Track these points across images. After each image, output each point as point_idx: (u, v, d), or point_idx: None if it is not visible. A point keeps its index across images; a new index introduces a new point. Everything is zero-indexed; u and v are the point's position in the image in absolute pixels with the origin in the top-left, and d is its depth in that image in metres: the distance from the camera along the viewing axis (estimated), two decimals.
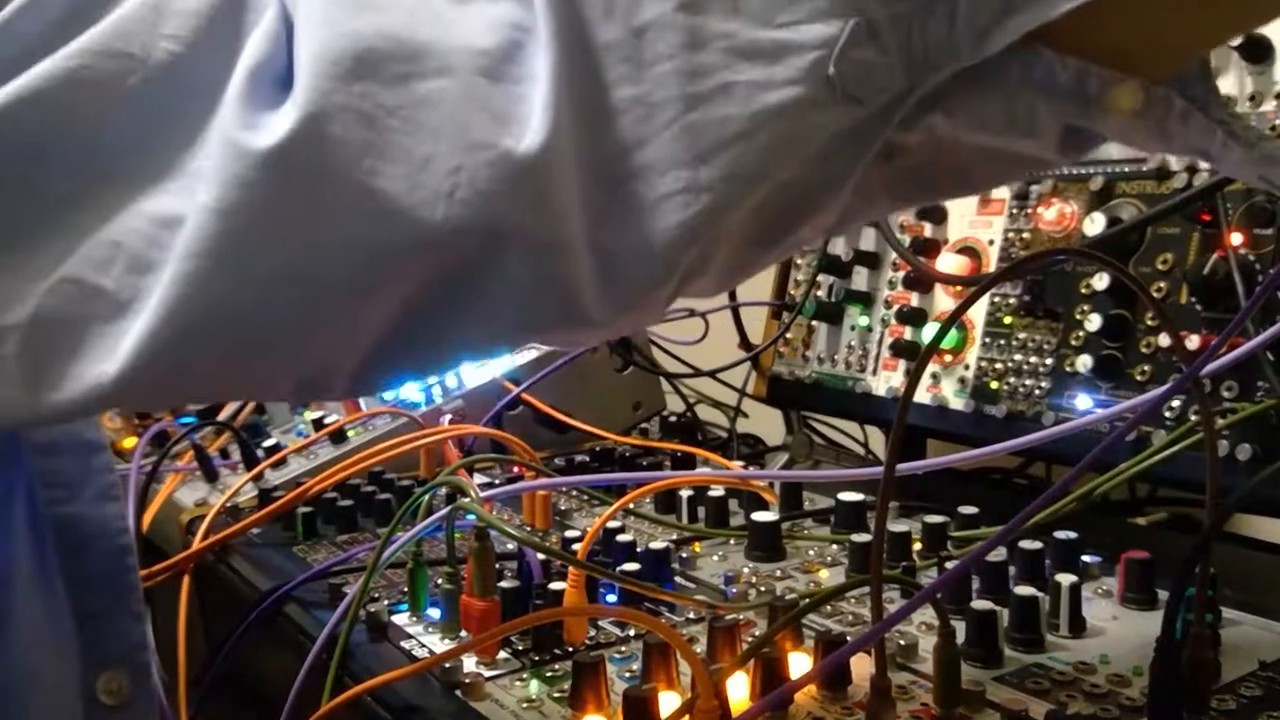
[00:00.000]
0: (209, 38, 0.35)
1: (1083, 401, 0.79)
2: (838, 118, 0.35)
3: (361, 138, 0.33)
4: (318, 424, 1.03)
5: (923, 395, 0.90)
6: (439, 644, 0.61)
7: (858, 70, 0.34)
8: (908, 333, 0.94)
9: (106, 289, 0.34)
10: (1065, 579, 0.59)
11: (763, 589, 0.66)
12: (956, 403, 0.88)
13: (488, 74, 0.34)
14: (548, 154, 0.33)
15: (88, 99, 0.34)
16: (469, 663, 0.57)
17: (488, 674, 0.56)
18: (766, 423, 1.19)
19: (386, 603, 0.66)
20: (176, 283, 0.33)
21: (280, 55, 0.35)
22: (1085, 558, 0.66)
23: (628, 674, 0.55)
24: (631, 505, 0.75)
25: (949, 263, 0.91)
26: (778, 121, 0.34)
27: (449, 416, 1.02)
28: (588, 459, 1.01)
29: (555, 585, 0.62)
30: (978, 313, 0.88)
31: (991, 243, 0.89)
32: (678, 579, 0.69)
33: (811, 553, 0.73)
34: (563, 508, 0.88)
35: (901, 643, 0.56)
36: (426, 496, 0.66)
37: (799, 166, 0.36)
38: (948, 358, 0.89)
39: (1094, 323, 0.78)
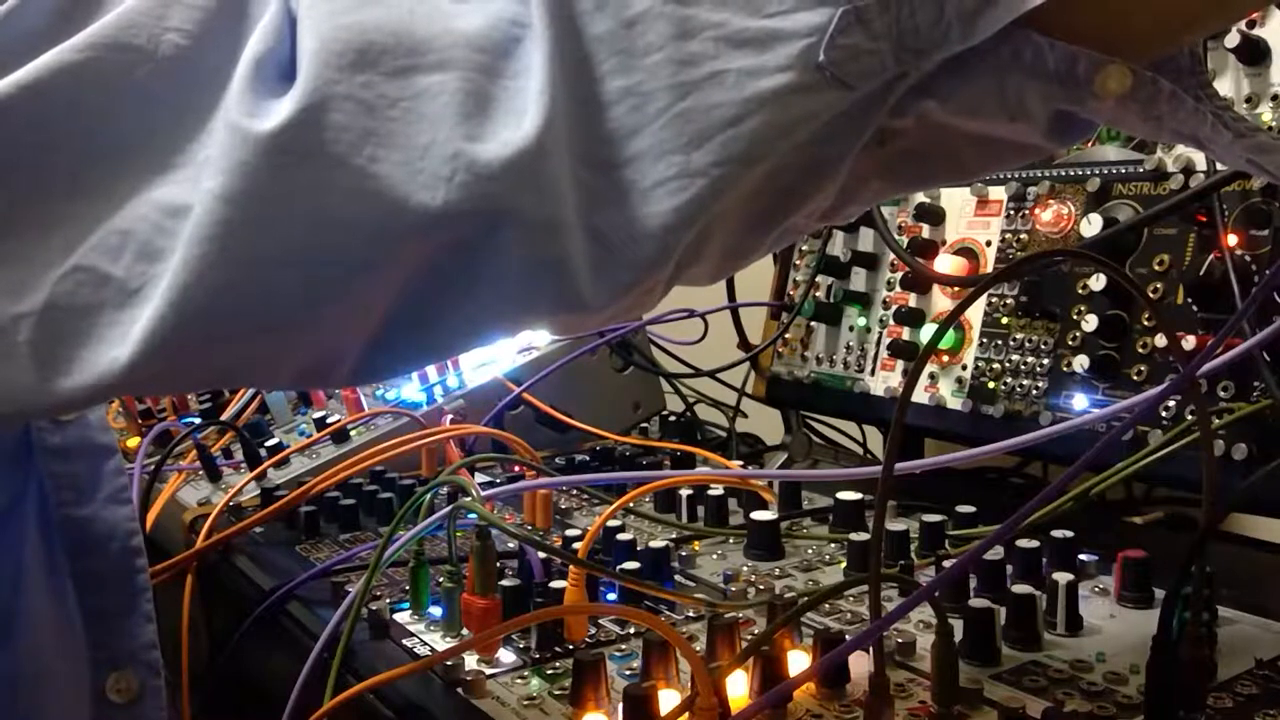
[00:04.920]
0: (214, 30, 0.36)
1: (1079, 401, 0.80)
2: (829, 104, 0.35)
3: (362, 125, 0.34)
4: (320, 423, 1.03)
5: (920, 395, 0.90)
6: (440, 642, 0.62)
7: (848, 57, 0.34)
8: (906, 333, 0.95)
9: (117, 277, 0.35)
10: (1062, 577, 0.59)
11: (761, 587, 0.66)
12: (954, 402, 0.88)
13: (485, 68, 0.35)
14: (543, 141, 0.34)
15: (95, 91, 0.35)
16: (470, 661, 0.58)
17: (489, 672, 0.56)
18: (765, 422, 1.19)
19: (388, 601, 0.66)
20: (183, 269, 0.34)
21: (284, 47, 0.35)
22: (1082, 556, 0.67)
23: (628, 672, 0.56)
24: (631, 504, 0.76)
25: (947, 263, 0.91)
26: (769, 108, 0.34)
27: (450, 416, 1.02)
28: (588, 458, 1.02)
29: (556, 584, 0.62)
30: (975, 313, 0.89)
31: (989, 244, 0.90)
32: (677, 577, 0.69)
33: (810, 551, 0.74)
34: (563, 507, 0.89)
35: (899, 641, 0.56)
36: (428, 496, 0.66)
37: (791, 152, 0.36)
38: (945, 358, 0.90)
39: (1091, 323, 0.78)
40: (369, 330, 0.38)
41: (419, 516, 0.66)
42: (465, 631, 0.61)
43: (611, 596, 0.65)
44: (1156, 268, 0.77)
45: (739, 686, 0.50)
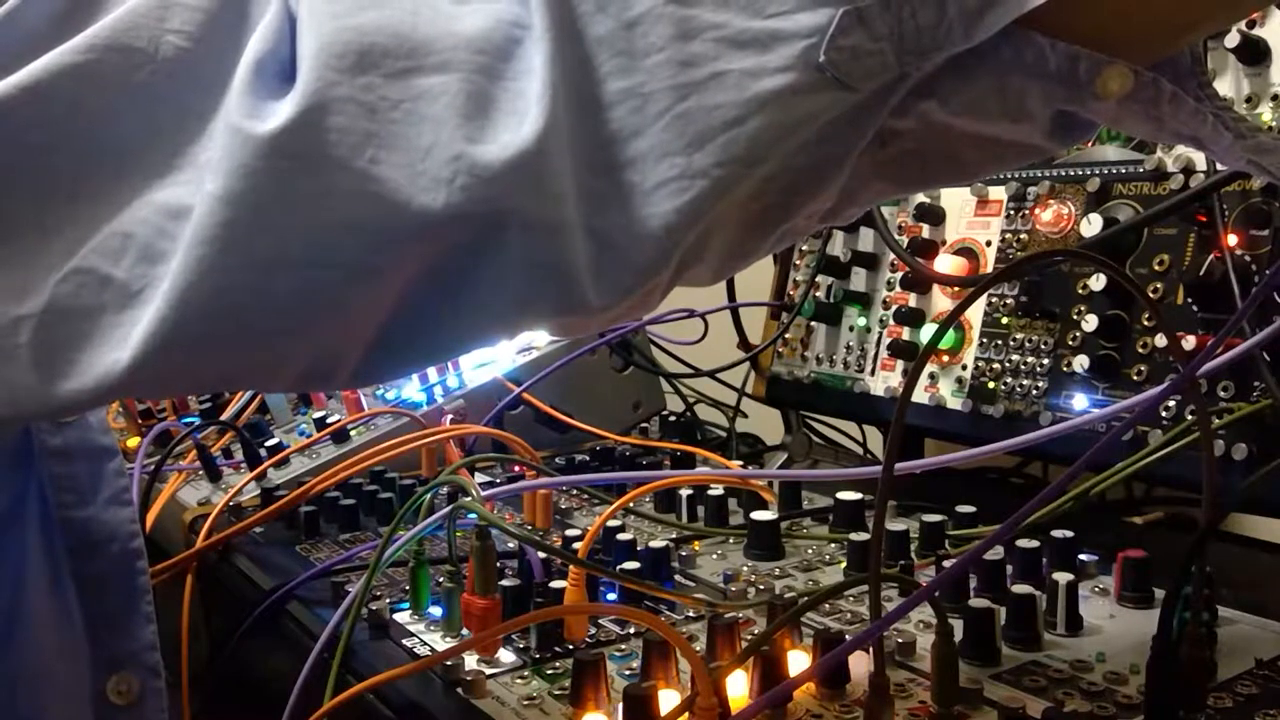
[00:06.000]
0: (214, 32, 0.36)
1: (1079, 401, 0.80)
2: (830, 104, 0.35)
3: (363, 128, 0.34)
4: (320, 423, 1.03)
5: (920, 395, 0.90)
6: (440, 642, 0.62)
7: (848, 57, 0.34)
8: (906, 333, 0.95)
9: (118, 279, 0.35)
10: (1062, 577, 0.59)
11: (761, 587, 0.66)
12: (954, 402, 0.88)
13: (486, 70, 0.35)
14: (544, 142, 0.34)
15: (95, 93, 0.35)
16: (470, 661, 0.58)
17: (489, 672, 0.56)
18: (765, 422, 1.19)
19: (388, 601, 0.66)
20: (184, 271, 0.34)
21: (284, 48, 0.35)
22: (1082, 556, 0.67)
23: (628, 672, 0.56)
24: (631, 504, 0.76)
25: (947, 263, 0.91)
26: (770, 108, 0.34)
27: (450, 416, 1.02)
28: (588, 458, 1.02)
29: (556, 584, 0.62)
30: (975, 313, 0.89)
31: (989, 244, 0.90)
32: (677, 577, 0.69)
33: (810, 551, 0.74)
34: (563, 507, 0.89)
35: (899, 641, 0.56)
36: (428, 496, 0.66)
37: (792, 153, 0.36)
38: (945, 358, 0.90)
39: (1091, 323, 0.78)
40: (370, 332, 0.38)
41: (419, 516, 0.66)
42: (465, 631, 0.61)
43: (611, 596, 0.65)
44: (1156, 268, 0.77)
45: (739, 686, 0.50)
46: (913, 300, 0.95)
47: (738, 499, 0.83)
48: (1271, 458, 0.67)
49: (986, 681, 0.52)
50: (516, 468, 0.96)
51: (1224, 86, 0.75)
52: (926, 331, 0.93)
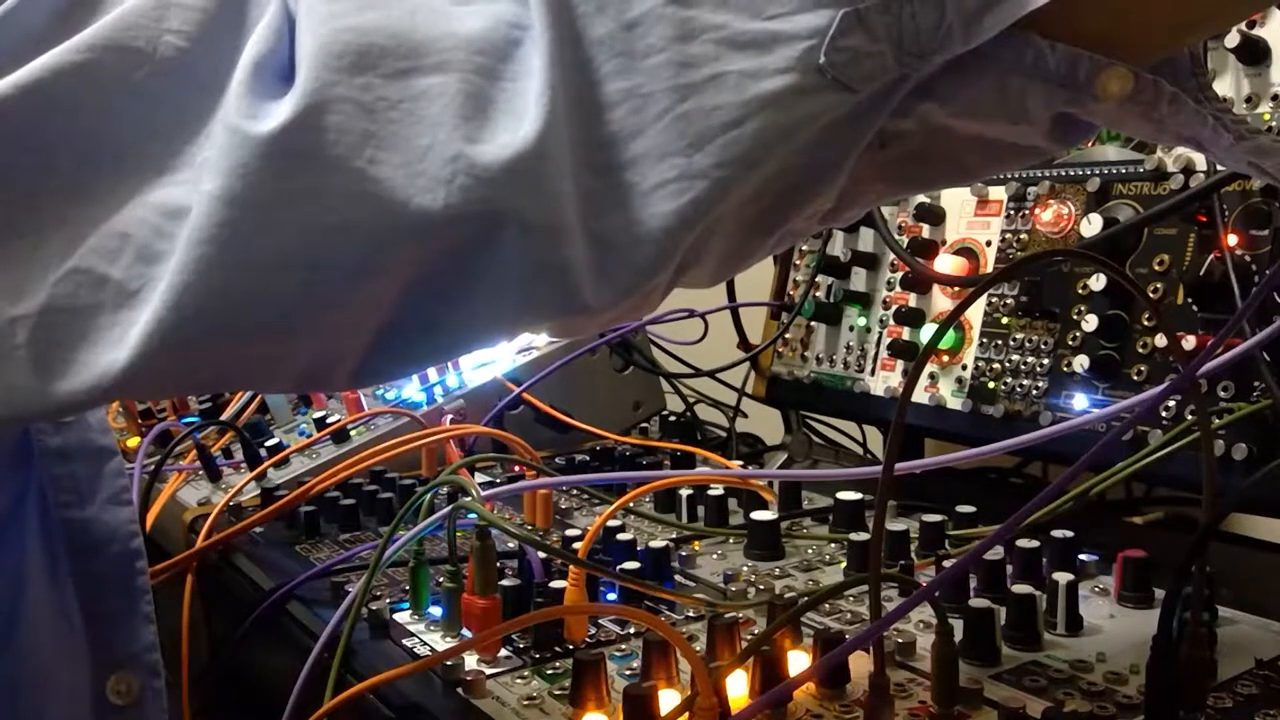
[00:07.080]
0: (213, 33, 0.36)
1: (1080, 401, 0.80)
2: (830, 105, 0.35)
3: (362, 128, 0.34)
4: (320, 423, 1.03)
5: (921, 395, 0.90)
6: (440, 642, 0.62)
7: (848, 59, 0.34)
8: (906, 333, 0.95)
9: (115, 279, 0.35)
10: (1062, 577, 0.59)
11: (762, 587, 0.66)
12: (954, 402, 0.88)
13: (485, 70, 0.35)
14: (543, 144, 0.34)
15: (93, 93, 0.34)
16: (470, 661, 0.58)
17: (489, 672, 0.56)
18: (765, 422, 1.19)
19: (388, 601, 0.66)
20: (182, 271, 0.34)
21: (283, 49, 0.35)
22: (1082, 556, 0.67)
23: (628, 672, 0.56)
24: (631, 504, 0.76)
25: (947, 263, 0.91)
26: (770, 110, 0.34)
27: (450, 416, 1.02)
28: (588, 458, 1.02)
29: (556, 584, 0.62)
30: (975, 313, 0.89)
31: (989, 244, 0.90)
32: (677, 577, 0.69)
33: (810, 551, 0.74)
34: (563, 507, 0.89)
35: (899, 641, 0.56)
36: (428, 495, 0.66)
37: (792, 154, 0.36)
38: (945, 358, 0.90)
39: (1091, 323, 0.78)
40: (369, 333, 0.38)
41: (419, 516, 0.66)
42: (465, 631, 0.61)
43: (611, 596, 0.65)
44: (1156, 268, 0.77)
45: (739, 686, 0.50)
46: (913, 300, 0.95)
47: (738, 499, 0.83)
48: (1271, 458, 0.67)
49: (986, 681, 0.52)
50: (516, 468, 0.96)
51: (1224, 86, 0.75)
52: (926, 331, 0.93)
